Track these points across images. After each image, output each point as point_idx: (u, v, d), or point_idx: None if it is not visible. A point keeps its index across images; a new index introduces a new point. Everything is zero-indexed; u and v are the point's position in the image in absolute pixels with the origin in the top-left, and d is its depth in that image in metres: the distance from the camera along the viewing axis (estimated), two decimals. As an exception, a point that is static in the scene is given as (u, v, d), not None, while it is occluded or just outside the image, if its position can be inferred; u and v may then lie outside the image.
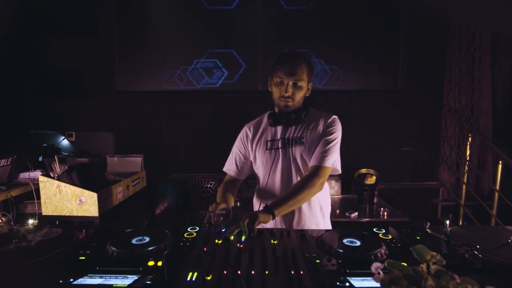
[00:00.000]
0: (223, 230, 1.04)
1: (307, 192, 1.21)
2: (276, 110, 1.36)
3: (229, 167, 1.47)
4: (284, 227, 1.35)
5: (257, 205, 1.44)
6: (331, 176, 2.81)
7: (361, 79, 2.87)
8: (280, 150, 1.34)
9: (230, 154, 1.48)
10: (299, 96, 1.29)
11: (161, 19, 2.80)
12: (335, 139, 1.30)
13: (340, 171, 1.35)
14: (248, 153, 1.43)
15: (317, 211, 1.36)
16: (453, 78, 3.07)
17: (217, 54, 2.83)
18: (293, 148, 1.33)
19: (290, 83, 1.26)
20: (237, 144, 1.46)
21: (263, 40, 2.82)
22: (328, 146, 1.28)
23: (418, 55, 2.82)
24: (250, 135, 1.43)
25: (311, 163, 1.29)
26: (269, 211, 1.13)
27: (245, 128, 1.46)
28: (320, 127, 1.32)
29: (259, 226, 1.08)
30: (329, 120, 1.33)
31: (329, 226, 1.42)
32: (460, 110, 3.01)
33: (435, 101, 2.91)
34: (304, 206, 1.33)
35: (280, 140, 1.35)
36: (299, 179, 1.32)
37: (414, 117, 2.88)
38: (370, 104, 2.86)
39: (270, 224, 1.28)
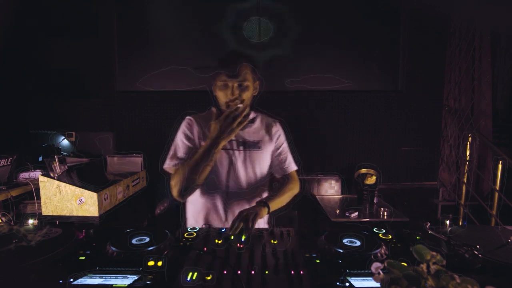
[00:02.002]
0: (223, 230, 1.05)
1: (291, 193, 1.36)
2: None
3: (175, 162, 1.31)
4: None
5: (204, 202, 1.37)
6: (331, 176, 2.79)
7: (361, 79, 2.87)
8: (235, 151, 1.33)
9: (172, 148, 1.35)
10: (247, 96, 1.27)
11: (160, 19, 2.80)
12: (287, 144, 1.43)
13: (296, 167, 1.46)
14: (196, 146, 1.33)
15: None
16: (453, 78, 3.06)
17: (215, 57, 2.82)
18: (249, 151, 1.35)
19: (235, 85, 1.24)
20: (182, 136, 1.35)
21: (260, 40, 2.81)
22: (286, 153, 1.42)
23: (418, 55, 2.82)
24: (198, 128, 1.35)
25: (280, 173, 1.41)
26: (264, 205, 1.19)
27: (191, 119, 1.38)
28: (273, 135, 1.41)
29: (258, 226, 1.09)
30: (278, 127, 1.43)
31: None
32: (460, 110, 3.01)
33: (435, 101, 2.90)
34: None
35: (235, 141, 1.34)
36: (257, 179, 1.36)
37: (414, 117, 2.88)
38: (370, 104, 2.86)
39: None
